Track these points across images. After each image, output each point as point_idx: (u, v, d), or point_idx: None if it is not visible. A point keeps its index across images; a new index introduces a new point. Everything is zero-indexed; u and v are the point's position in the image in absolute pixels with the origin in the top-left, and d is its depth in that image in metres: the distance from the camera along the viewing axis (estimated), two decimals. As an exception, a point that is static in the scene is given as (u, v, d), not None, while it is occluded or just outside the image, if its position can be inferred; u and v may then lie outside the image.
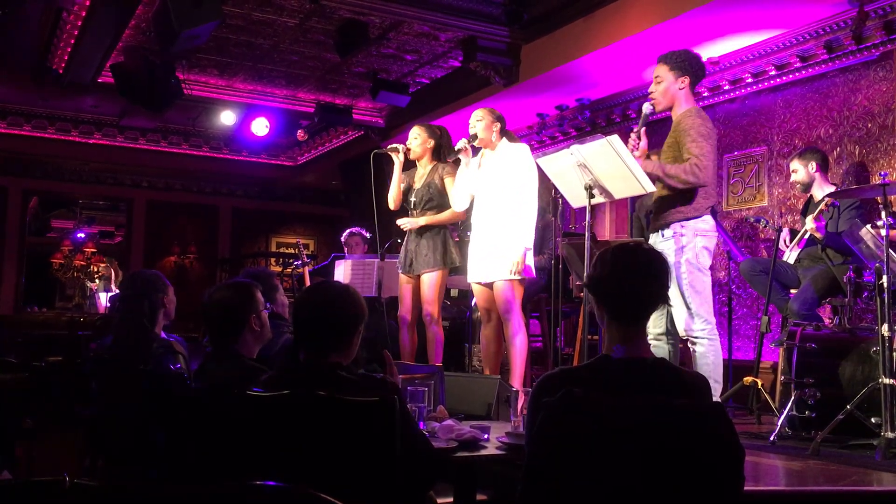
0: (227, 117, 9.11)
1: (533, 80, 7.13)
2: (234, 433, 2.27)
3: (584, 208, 4.09)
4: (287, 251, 12.09)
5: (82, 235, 13.75)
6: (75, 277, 13.47)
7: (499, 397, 3.84)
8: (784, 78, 6.21)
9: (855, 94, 5.80)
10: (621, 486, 1.73)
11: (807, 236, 5.04)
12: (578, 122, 7.95)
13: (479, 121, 4.74)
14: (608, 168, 3.88)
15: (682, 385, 2.02)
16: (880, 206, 3.70)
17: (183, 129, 10.89)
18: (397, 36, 7.10)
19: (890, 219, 3.69)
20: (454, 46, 7.28)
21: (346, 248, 7.55)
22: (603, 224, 7.75)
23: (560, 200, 5.36)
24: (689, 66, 4.11)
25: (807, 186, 5.24)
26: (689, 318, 3.88)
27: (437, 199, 5.09)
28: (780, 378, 4.30)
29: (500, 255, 4.59)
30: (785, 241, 5.17)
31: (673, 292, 3.90)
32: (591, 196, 4.01)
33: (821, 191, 5.16)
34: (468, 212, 4.94)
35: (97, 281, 13.28)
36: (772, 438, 3.78)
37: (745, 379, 4.67)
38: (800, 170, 5.22)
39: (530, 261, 4.60)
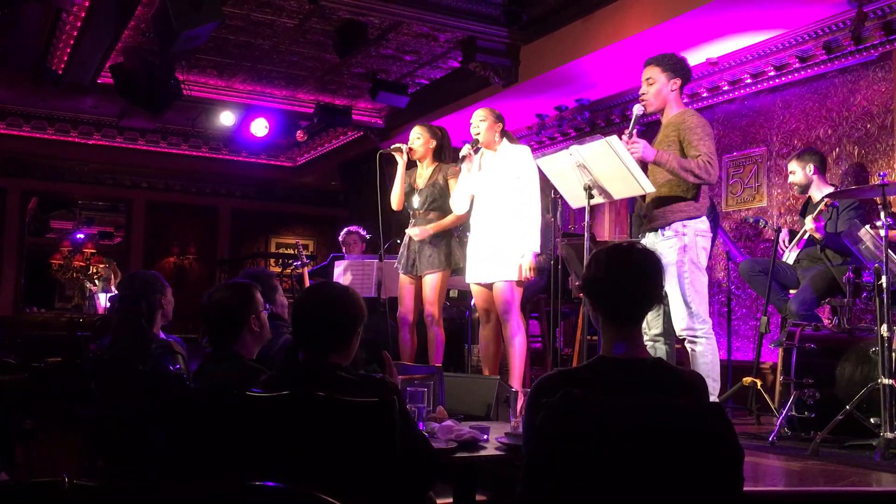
0: (226, 118, 9.11)
1: (532, 80, 7.13)
2: (233, 433, 2.27)
3: (583, 209, 4.09)
4: (286, 252, 12.09)
5: (82, 236, 13.75)
6: (74, 278, 13.48)
7: (498, 398, 3.85)
8: (783, 78, 6.22)
9: (854, 94, 5.81)
10: (621, 486, 1.73)
11: (806, 237, 5.05)
12: (577, 122, 7.95)
13: (481, 121, 4.74)
14: (607, 168, 3.88)
15: (681, 385, 2.02)
16: (879, 206, 3.71)
17: (182, 129, 10.88)
18: (396, 36, 7.10)
19: (889, 219, 3.70)
20: (453, 47, 7.28)
21: (344, 248, 7.55)
22: (602, 224, 7.76)
23: (559, 201, 5.36)
24: (680, 69, 4.13)
25: (804, 188, 5.24)
26: (689, 317, 3.88)
27: (441, 199, 5.08)
28: (780, 378, 4.30)
29: (500, 255, 4.59)
30: (784, 242, 5.18)
31: (672, 291, 3.91)
32: (591, 196, 4.01)
33: (819, 192, 5.16)
34: (468, 213, 4.94)
35: (97, 282, 13.29)
36: (771, 439, 3.79)
37: (744, 379, 4.67)
38: (798, 171, 5.22)
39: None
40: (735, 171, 6.67)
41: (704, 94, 6.76)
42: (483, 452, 2.68)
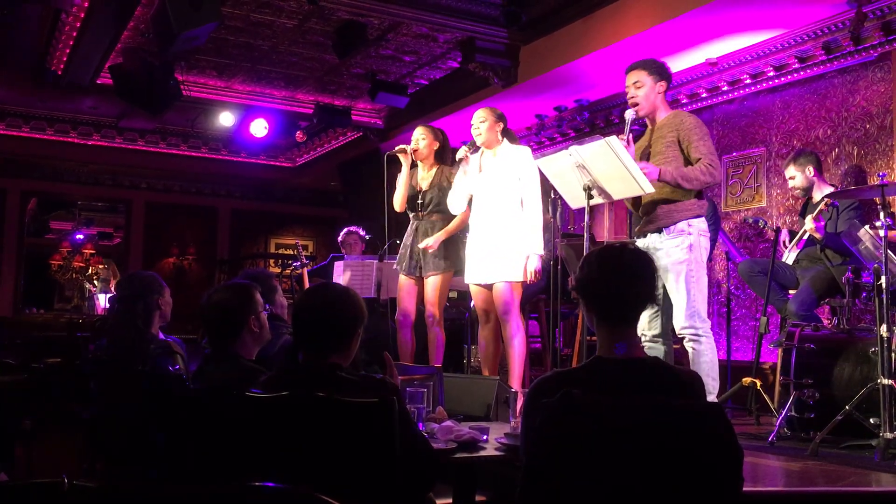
0: (225, 118, 9.11)
1: (531, 81, 7.13)
2: (233, 434, 2.27)
3: (582, 209, 4.09)
4: (286, 252, 12.08)
5: (81, 237, 13.75)
6: (74, 279, 13.48)
7: (497, 398, 3.85)
8: (782, 79, 6.22)
9: (853, 94, 5.81)
10: (620, 486, 1.73)
11: (806, 237, 5.05)
12: (577, 123, 7.96)
13: (482, 121, 4.74)
14: (607, 169, 3.89)
15: (679, 384, 2.02)
16: (879, 206, 3.71)
17: (182, 130, 10.87)
18: (396, 37, 7.10)
19: (888, 219, 3.70)
20: (453, 47, 7.28)
21: (343, 248, 7.55)
22: (602, 225, 7.76)
23: (559, 201, 5.36)
24: (664, 72, 4.15)
25: (806, 190, 5.23)
26: (692, 315, 3.88)
27: (445, 201, 5.08)
28: (779, 379, 4.30)
29: (500, 256, 4.59)
30: (784, 242, 5.18)
31: (677, 289, 3.91)
32: (590, 197, 4.01)
33: (820, 192, 5.16)
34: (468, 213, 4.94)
35: (96, 283, 13.29)
36: (770, 439, 3.79)
37: (743, 380, 4.67)
38: (798, 176, 5.21)
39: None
40: (734, 172, 6.67)
41: (704, 95, 6.76)
42: (483, 453, 2.68)
